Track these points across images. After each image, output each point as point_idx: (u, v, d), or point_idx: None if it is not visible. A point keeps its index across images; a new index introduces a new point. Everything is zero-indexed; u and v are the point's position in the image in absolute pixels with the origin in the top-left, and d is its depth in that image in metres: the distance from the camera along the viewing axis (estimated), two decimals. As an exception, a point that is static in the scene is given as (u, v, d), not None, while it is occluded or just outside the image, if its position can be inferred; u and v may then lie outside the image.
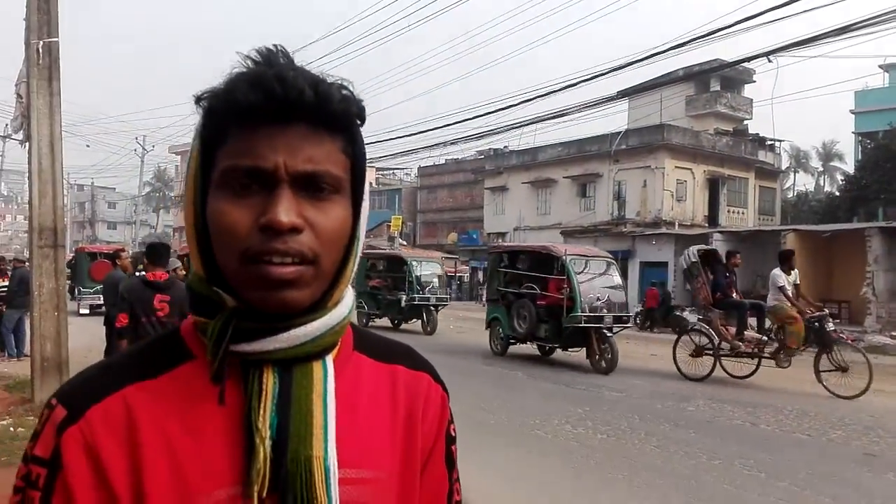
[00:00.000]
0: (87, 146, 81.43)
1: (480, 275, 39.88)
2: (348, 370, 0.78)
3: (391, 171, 55.50)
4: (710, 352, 11.36)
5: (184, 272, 7.68)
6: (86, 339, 10.55)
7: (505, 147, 40.11)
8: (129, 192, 71.15)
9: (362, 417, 0.76)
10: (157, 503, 0.67)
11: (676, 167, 32.06)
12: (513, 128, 26.92)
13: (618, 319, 12.44)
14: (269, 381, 0.71)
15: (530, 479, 5.77)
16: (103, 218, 78.92)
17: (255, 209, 0.69)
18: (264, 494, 0.68)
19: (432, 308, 18.19)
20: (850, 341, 19.60)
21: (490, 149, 41.08)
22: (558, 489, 5.54)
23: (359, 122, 0.74)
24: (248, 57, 0.72)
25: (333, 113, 0.71)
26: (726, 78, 36.59)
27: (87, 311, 20.42)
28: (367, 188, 0.79)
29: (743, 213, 35.06)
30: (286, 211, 0.68)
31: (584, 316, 11.82)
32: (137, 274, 6.92)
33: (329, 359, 0.76)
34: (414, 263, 18.83)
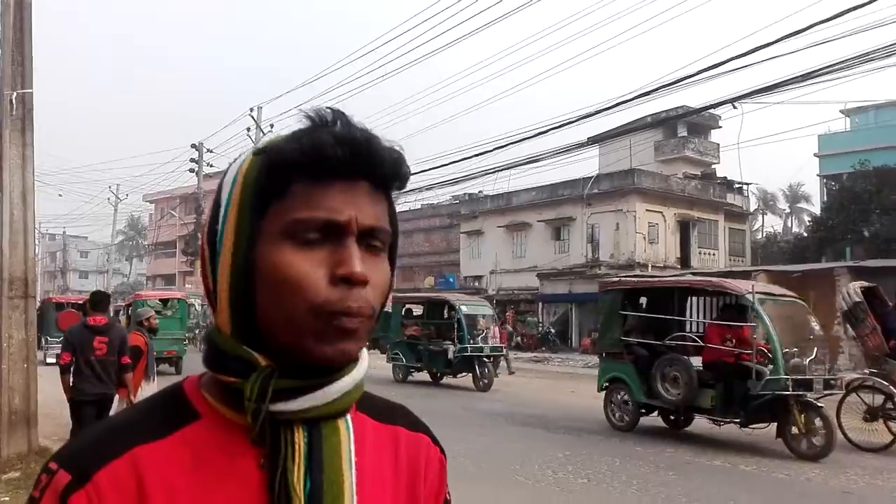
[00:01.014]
0: (60, 195, 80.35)
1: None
2: (354, 430, 0.76)
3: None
4: (893, 412, 9.28)
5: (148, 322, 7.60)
6: (55, 391, 10.26)
7: (480, 192, 40.51)
8: (101, 241, 70.19)
9: (369, 479, 0.75)
10: None
11: (647, 210, 32.60)
12: (487, 173, 27.33)
13: (827, 384, 9.04)
14: (301, 441, 0.70)
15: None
16: (75, 267, 77.63)
17: (323, 261, 0.69)
18: None
19: (485, 360, 15.54)
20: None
21: (465, 193, 41.46)
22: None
23: (399, 186, 0.77)
24: (309, 116, 0.73)
25: (399, 177, 0.74)
26: (693, 124, 37.55)
27: (53, 361, 20.00)
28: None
29: (714, 255, 35.60)
30: (360, 263, 0.69)
31: (788, 379, 8.47)
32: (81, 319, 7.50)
33: (349, 416, 0.75)
34: (463, 308, 16.19)
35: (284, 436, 0.70)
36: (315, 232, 0.69)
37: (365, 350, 0.78)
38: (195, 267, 35.14)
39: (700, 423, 10.79)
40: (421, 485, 0.81)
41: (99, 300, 6.78)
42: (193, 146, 34.18)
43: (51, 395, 8.41)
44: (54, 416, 8.76)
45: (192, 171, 34.48)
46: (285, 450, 0.69)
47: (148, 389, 6.76)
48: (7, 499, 5.92)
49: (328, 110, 0.73)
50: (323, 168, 0.69)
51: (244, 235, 0.71)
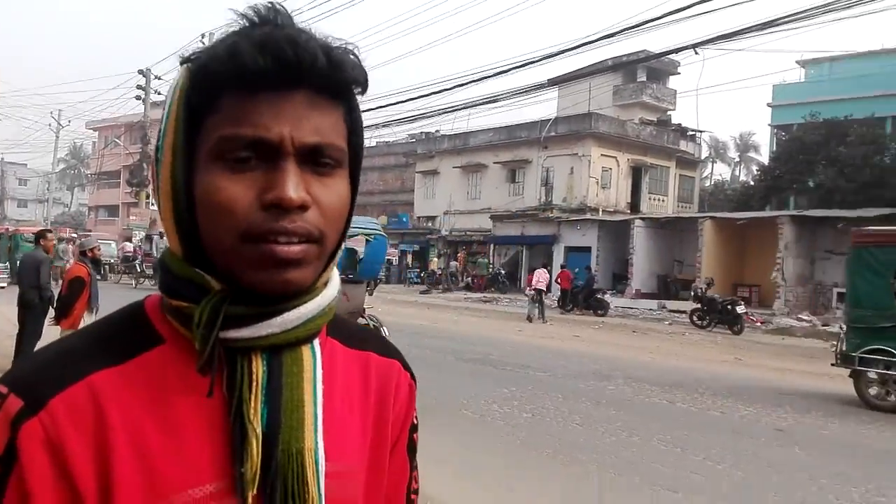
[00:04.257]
0: (-4, 119, 76.67)
1: (410, 258, 39.94)
2: (324, 356, 0.72)
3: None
4: None
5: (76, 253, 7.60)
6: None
7: (436, 131, 40.12)
8: (42, 169, 67.59)
9: (338, 407, 0.72)
10: (127, 502, 0.61)
11: (602, 155, 32.85)
12: (445, 112, 27.00)
13: None
14: (259, 370, 0.67)
15: (458, 458, 5.85)
16: (13, 195, 74.78)
17: (256, 184, 0.63)
18: (255, 491, 0.64)
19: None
20: (759, 323, 20.66)
21: (422, 132, 41.02)
22: (485, 467, 5.63)
23: (360, 91, 0.70)
24: (245, 15, 0.66)
25: (344, 80, 0.66)
26: (652, 69, 37.59)
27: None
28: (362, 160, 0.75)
29: (663, 201, 36.26)
30: (295, 187, 0.63)
31: None
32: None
33: (317, 343, 0.72)
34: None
35: (241, 364, 0.66)
36: (244, 151, 0.63)
37: (336, 275, 0.74)
38: (140, 198, 34.19)
39: (638, 358, 11.15)
40: (390, 408, 0.79)
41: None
42: (141, 72, 32.82)
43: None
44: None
45: (138, 98, 33.19)
46: (241, 379, 0.66)
47: (89, 320, 6.62)
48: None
49: (265, 7, 0.66)
50: (247, 79, 0.62)
51: (179, 155, 0.66)
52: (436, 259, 37.17)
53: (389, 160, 43.80)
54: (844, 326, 9.81)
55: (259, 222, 0.63)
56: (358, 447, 0.74)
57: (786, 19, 15.93)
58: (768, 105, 34.79)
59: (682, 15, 16.50)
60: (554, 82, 29.24)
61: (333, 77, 0.65)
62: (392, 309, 21.16)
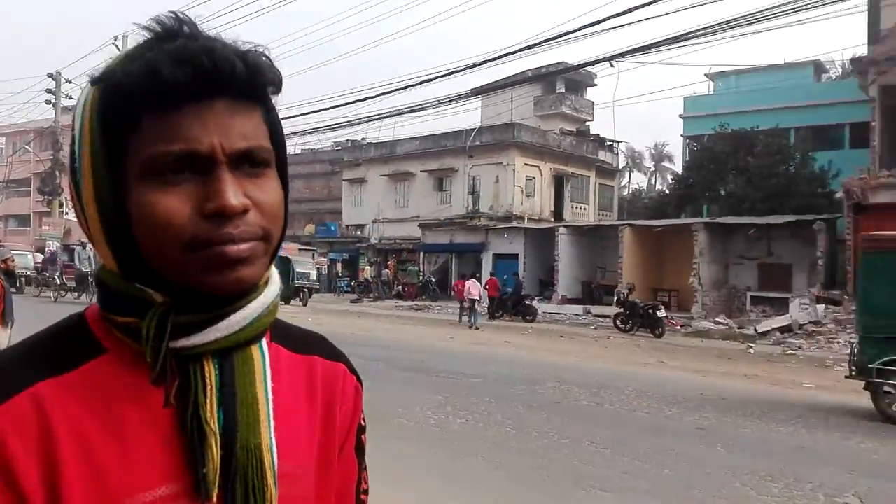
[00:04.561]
0: None
1: (339, 266, 39.55)
2: (270, 360, 0.73)
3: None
4: None
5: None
6: None
7: (363, 139, 39.98)
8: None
9: (284, 409, 0.73)
10: None
11: (526, 164, 33.50)
12: (371, 120, 26.95)
13: None
14: (211, 373, 0.68)
15: (393, 466, 5.87)
16: None
17: (192, 196, 0.64)
18: (217, 490, 0.65)
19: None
20: (678, 326, 21.46)
21: (348, 140, 40.78)
22: (420, 474, 5.68)
23: (274, 91, 0.70)
24: (150, 28, 0.65)
25: (262, 84, 0.67)
26: (571, 80, 38.65)
27: None
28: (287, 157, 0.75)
29: (585, 209, 37.29)
30: (234, 194, 0.64)
31: None
32: None
33: (264, 343, 0.73)
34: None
35: (194, 370, 0.67)
36: (177, 166, 0.63)
37: (275, 272, 0.75)
38: (53, 207, 32.59)
39: (566, 362, 11.42)
40: (337, 411, 0.80)
41: None
42: (50, 75, 31.36)
43: None
44: None
45: (48, 102, 31.69)
46: (195, 385, 0.67)
47: (3, 335, 6.31)
48: None
49: (169, 18, 0.66)
50: (168, 95, 0.62)
51: (101, 175, 0.66)
52: (368, 267, 36.96)
53: (315, 168, 43.32)
54: (856, 337, 9.29)
55: (203, 231, 0.63)
56: (307, 447, 0.75)
57: (694, 34, 16.77)
58: (680, 116, 36.29)
59: (597, 28, 17.13)
60: (477, 92, 29.68)
61: (252, 82, 0.66)
62: (323, 318, 20.92)
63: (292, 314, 18.64)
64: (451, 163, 34.69)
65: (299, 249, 31.81)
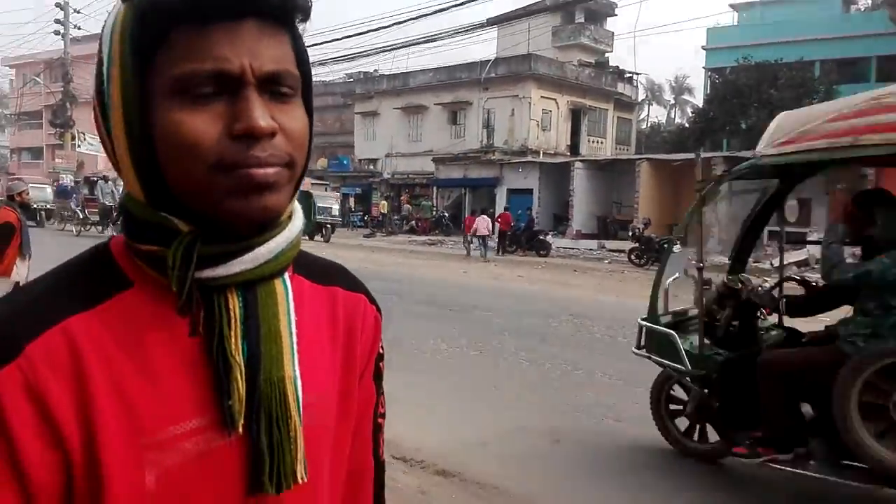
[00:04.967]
0: None
1: (352, 201, 39.57)
2: (294, 292, 0.74)
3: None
4: None
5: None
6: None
7: (375, 71, 39.34)
8: (-48, 109, 63.42)
9: (307, 340, 0.74)
10: (111, 444, 0.62)
11: (542, 97, 32.91)
12: (384, 50, 26.56)
13: None
14: (235, 305, 0.68)
15: (409, 396, 5.96)
16: (-78, 137, 70.17)
17: (220, 116, 0.63)
18: (242, 421, 0.66)
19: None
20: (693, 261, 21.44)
21: (360, 72, 40.13)
22: (436, 403, 5.76)
23: (302, 18, 0.69)
24: None
25: (292, 7, 0.66)
26: (590, 10, 37.58)
27: None
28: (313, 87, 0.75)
29: (602, 143, 36.77)
30: (262, 115, 0.63)
31: None
32: None
33: (287, 277, 0.73)
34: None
35: (218, 302, 0.67)
36: (206, 86, 0.62)
37: (298, 206, 0.75)
38: (65, 140, 32.55)
39: (580, 296, 11.40)
40: (357, 340, 0.81)
41: None
42: (58, 5, 30.83)
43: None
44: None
45: (57, 33, 31.25)
46: (220, 316, 0.67)
47: (22, 268, 6.37)
48: None
49: None
50: (199, 11, 0.61)
51: (131, 96, 0.64)
52: (384, 202, 36.88)
53: (327, 100, 42.81)
54: None
55: (231, 152, 0.63)
56: (329, 377, 0.76)
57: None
58: (703, 48, 35.35)
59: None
60: (493, 22, 28.95)
61: (283, 5, 0.65)
62: (337, 252, 21.06)
63: (314, 249, 18.80)
64: (466, 96, 34.13)
65: (312, 183, 31.76)
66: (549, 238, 24.70)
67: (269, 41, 0.65)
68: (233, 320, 0.67)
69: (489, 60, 33.87)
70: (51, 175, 34.43)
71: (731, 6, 35.71)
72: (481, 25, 25.53)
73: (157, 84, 0.63)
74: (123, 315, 0.66)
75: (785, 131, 3.85)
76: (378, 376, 0.86)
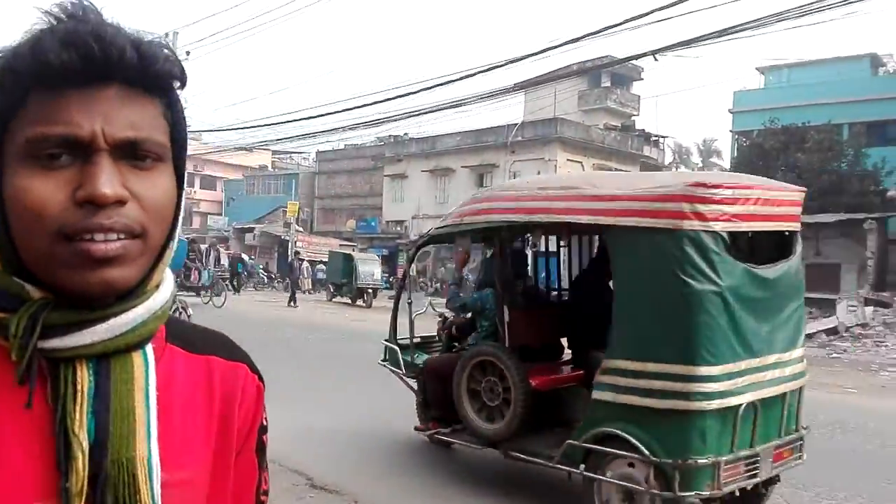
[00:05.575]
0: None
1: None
2: (162, 363, 0.71)
3: (288, 155, 54.26)
4: None
5: None
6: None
7: (405, 135, 40.11)
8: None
9: (177, 414, 0.71)
10: None
11: (568, 160, 33.16)
12: (412, 115, 26.95)
13: None
14: (84, 379, 0.64)
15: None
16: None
17: (69, 182, 0.61)
18: None
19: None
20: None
21: (389, 136, 40.96)
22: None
23: (179, 85, 0.68)
24: (50, 12, 0.64)
25: (156, 74, 0.65)
26: (617, 75, 38.11)
27: None
28: (187, 157, 0.73)
29: (630, 205, 36.70)
30: (109, 182, 0.61)
31: None
32: None
33: (149, 349, 0.69)
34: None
35: (65, 374, 0.64)
36: (56, 149, 0.61)
37: (169, 274, 0.73)
38: None
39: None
40: (235, 413, 0.77)
41: None
42: None
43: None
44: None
45: None
46: (65, 390, 0.63)
47: None
48: None
49: (70, 3, 0.65)
50: (54, 75, 0.61)
51: None
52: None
53: (358, 163, 43.69)
54: None
55: (73, 220, 0.61)
56: (200, 455, 0.73)
57: (742, 27, 16.28)
58: (729, 111, 35.46)
59: (642, 21, 16.75)
60: (520, 86, 29.46)
61: (145, 70, 0.64)
62: (385, 318, 21.08)
63: (355, 317, 18.82)
64: (493, 158, 34.57)
65: (340, 245, 32.07)
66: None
67: (131, 108, 0.64)
68: (79, 394, 0.64)
69: (516, 124, 34.40)
70: None
71: (758, 69, 35.92)
72: (508, 90, 25.95)
73: (10, 147, 0.63)
74: None
75: (458, 207, 5.78)
76: (261, 450, 0.82)
